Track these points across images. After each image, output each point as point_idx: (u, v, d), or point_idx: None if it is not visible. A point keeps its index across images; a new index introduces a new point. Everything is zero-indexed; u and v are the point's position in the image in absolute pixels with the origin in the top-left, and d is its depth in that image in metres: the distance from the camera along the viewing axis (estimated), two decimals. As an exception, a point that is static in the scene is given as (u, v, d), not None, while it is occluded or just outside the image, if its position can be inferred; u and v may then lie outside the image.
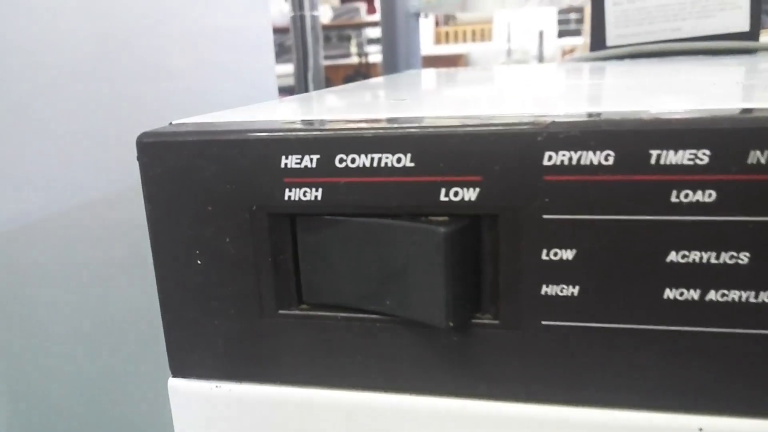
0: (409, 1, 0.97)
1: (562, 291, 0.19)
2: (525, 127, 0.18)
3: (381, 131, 0.19)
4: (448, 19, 3.95)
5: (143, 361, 0.34)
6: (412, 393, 0.21)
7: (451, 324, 0.19)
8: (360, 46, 3.54)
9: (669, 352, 0.19)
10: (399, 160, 0.19)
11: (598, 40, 0.65)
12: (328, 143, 0.19)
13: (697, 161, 0.17)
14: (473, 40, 3.89)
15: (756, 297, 0.18)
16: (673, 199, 0.17)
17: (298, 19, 0.91)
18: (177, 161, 0.20)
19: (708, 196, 0.17)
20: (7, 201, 0.38)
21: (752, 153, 0.17)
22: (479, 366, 0.20)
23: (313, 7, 0.92)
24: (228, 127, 0.20)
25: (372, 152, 0.19)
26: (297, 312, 0.21)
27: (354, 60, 3.54)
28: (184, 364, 0.22)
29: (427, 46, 3.80)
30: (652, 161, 0.17)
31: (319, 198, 0.19)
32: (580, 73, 0.40)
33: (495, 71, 0.50)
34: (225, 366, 0.22)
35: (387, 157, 0.19)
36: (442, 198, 0.19)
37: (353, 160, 0.19)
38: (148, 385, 0.28)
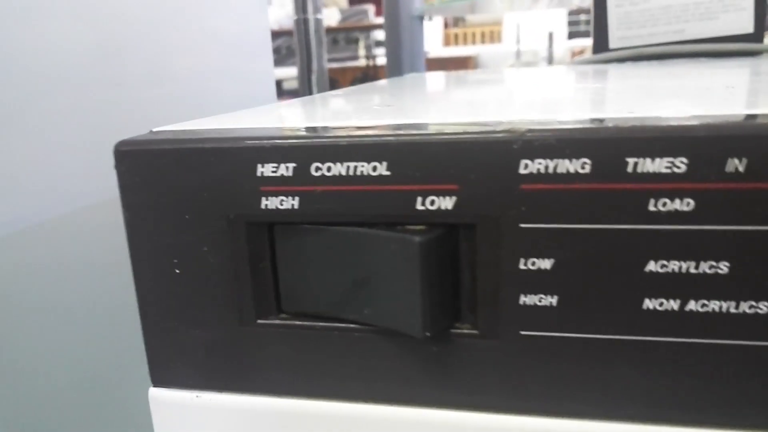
0: (412, 4, 0.96)
1: (540, 301, 0.18)
2: (500, 135, 0.17)
3: (356, 139, 0.18)
4: (458, 21, 3.95)
5: (127, 370, 0.34)
6: (392, 403, 0.21)
7: (428, 334, 0.19)
8: (368, 48, 3.54)
9: (649, 363, 0.18)
10: (375, 169, 0.18)
11: (600, 43, 0.65)
12: (304, 151, 0.19)
13: (675, 169, 0.17)
14: (483, 41, 3.89)
15: (737, 307, 0.17)
16: (651, 207, 0.17)
17: (302, 23, 0.91)
18: (154, 169, 0.20)
19: (686, 204, 0.17)
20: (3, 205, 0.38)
21: (730, 161, 0.16)
22: (458, 376, 0.20)
23: (317, 10, 0.91)
24: (205, 135, 0.20)
25: (347, 161, 0.18)
26: (276, 321, 0.21)
27: (362, 62, 3.53)
28: (164, 374, 0.22)
29: (437, 48, 3.80)
30: (629, 169, 0.17)
31: (296, 206, 0.19)
32: (574, 76, 0.39)
33: (492, 75, 0.49)
34: (205, 376, 0.22)
35: (363, 166, 0.18)
36: (419, 207, 0.18)
37: (329, 169, 0.19)
38: (132, 394, 0.28)
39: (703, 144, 0.16)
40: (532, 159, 0.17)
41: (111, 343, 0.38)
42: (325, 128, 0.20)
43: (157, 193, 0.20)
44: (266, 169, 0.19)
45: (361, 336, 0.20)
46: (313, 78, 0.94)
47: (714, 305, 0.17)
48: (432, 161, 0.18)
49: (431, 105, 0.27)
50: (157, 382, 0.22)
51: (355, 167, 0.18)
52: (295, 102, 0.31)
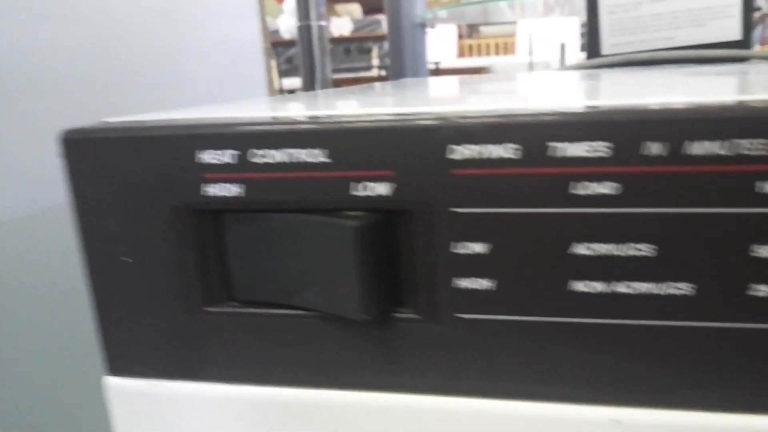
0: (414, 11, 0.97)
1: (473, 284, 0.19)
2: (431, 122, 0.18)
3: (295, 127, 0.19)
4: (472, 32, 3.95)
5: (72, 361, 0.34)
6: (339, 388, 0.21)
7: (369, 318, 0.19)
8: (381, 58, 3.54)
9: (579, 344, 0.19)
10: (314, 156, 0.19)
11: (593, 49, 0.65)
12: (244, 139, 0.19)
13: (595, 153, 0.17)
14: (497, 53, 3.89)
15: (662, 289, 0.18)
16: (574, 191, 0.17)
17: (305, 30, 0.91)
18: (101, 158, 0.20)
19: (610, 188, 0.17)
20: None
21: (645, 144, 0.17)
22: (401, 360, 0.20)
23: (321, 17, 0.92)
24: (152, 124, 0.20)
25: (287, 148, 0.19)
26: (224, 309, 0.21)
27: (375, 72, 3.53)
28: (118, 363, 0.22)
29: (451, 58, 3.81)
30: (552, 154, 0.17)
31: (239, 194, 0.20)
32: (551, 79, 0.40)
33: (477, 78, 0.50)
34: (158, 364, 0.22)
35: (302, 153, 0.19)
36: (356, 193, 0.19)
37: (270, 156, 0.19)
38: (79, 385, 0.28)
39: (625, 128, 0.17)
40: (462, 145, 0.18)
41: (62, 334, 0.38)
42: (266, 117, 0.20)
43: (105, 182, 0.21)
44: (208, 157, 0.20)
45: (307, 322, 0.21)
46: (317, 88, 0.95)
47: (640, 287, 0.18)
48: (368, 148, 0.19)
49: (388, 100, 0.28)
50: (112, 371, 0.23)
51: (295, 154, 0.19)
52: (257, 99, 0.32)
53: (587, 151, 0.17)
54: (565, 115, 0.17)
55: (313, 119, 0.19)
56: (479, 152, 0.18)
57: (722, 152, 0.16)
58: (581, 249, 0.18)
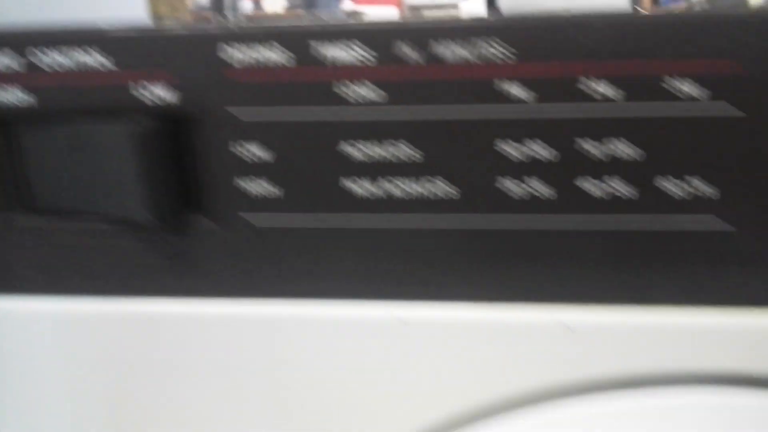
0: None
1: (253, 184, 0.20)
2: (209, 29, 0.19)
3: (77, 30, 0.19)
4: (415, 15, 3.96)
5: None
6: (142, 295, 0.21)
7: (157, 222, 0.20)
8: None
9: (357, 242, 0.20)
10: (95, 60, 0.19)
11: (492, 10, 0.66)
12: (24, 40, 0.20)
13: (351, 55, 0.18)
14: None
15: (425, 188, 0.19)
16: (336, 90, 0.18)
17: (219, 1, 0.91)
18: None
19: (372, 91, 0.18)
20: None
21: (397, 44, 0.18)
22: (195, 263, 0.21)
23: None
24: None
25: (68, 50, 0.19)
26: (17, 218, 0.21)
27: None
28: None
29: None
30: (315, 55, 0.18)
31: (23, 100, 0.20)
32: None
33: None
34: None
35: (83, 56, 0.19)
36: (139, 97, 0.19)
37: (52, 59, 0.19)
38: None
39: (371, 33, 0.18)
40: (237, 49, 0.19)
41: None
42: (51, 23, 0.20)
43: None
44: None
45: (106, 230, 0.21)
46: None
47: (406, 187, 0.19)
48: (150, 54, 0.19)
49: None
50: None
51: (77, 57, 0.19)
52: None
53: (346, 53, 0.18)
54: (328, 23, 0.18)
55: (106, 28, 0.20)
56: (250, 55, 0.19)
57: (466, 55, 0.18)
58: (348, 148, 0.19)
